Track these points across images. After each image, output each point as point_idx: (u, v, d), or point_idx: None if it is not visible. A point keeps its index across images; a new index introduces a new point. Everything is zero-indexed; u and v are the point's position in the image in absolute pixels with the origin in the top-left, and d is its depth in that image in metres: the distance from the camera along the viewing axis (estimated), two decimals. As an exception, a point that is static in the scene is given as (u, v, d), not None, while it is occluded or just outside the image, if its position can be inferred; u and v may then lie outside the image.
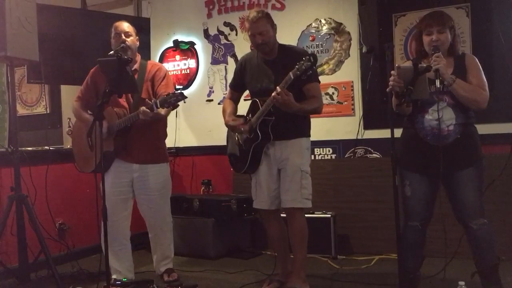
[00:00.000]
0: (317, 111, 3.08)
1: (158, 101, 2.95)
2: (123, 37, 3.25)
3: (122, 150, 3.24)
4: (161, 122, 3.41)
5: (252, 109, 3.10)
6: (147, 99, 3.05)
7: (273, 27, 3.06)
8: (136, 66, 3.31)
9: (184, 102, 3.05)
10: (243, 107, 3.29)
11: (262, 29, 2.99)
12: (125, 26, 3.30)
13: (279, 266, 3.26)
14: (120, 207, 3.29)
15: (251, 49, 3.99)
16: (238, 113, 3.30)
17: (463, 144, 2.60)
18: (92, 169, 3.17)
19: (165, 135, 3.52)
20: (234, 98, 3.36)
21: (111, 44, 3.31)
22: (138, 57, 3.38)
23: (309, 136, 3.17)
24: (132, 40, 3.29)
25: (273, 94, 2.83)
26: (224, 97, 4.93)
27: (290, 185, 3.02)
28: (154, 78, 3.33)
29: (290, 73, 2.79)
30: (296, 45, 4.42)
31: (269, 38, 3.02)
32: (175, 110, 3.17)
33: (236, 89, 3.34)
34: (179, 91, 2.96)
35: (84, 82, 3.43)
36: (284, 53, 3.07)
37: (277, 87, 2.83)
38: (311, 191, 3.08)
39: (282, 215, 3.23)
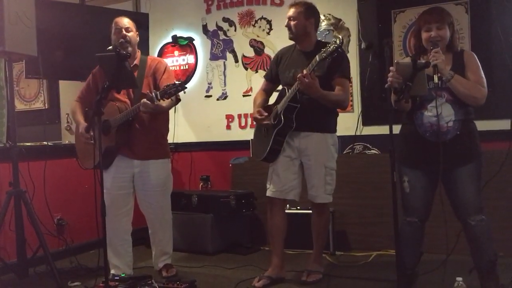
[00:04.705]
0: (342, 104, 3.13)
1: (158, 92, 2.96)
2: (124, 32, 3.25)
3: (124, 146, 3.24)
4: (163, 117, 3.40)
5: (280, 96, 3.16)
6: (147, 92, 3.05)
7: (308, 19, 3.13)
8: (136, 61, 3.32)
9: (184, 93, 3.05)
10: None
11: (291, 14, 3.14)
12: (125, 21, 3.30)
13: (271, 260, 3.26)
14: (121, 201, 3.30)
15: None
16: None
17: (463, 140, 2.59)
18: (93, 165, 3.17)
19: (167, 131, 3.51)
20: (267, 89, 3.41)
21: (111, 39, 3.31)
22: (138, 53, 3.38)
23: (335, 132, 3.23)
24: (132, 35, 3.29)
25: (298, 75, 2.88)
26: (222, 93, 4.94)
27: (315, 182, 3.12)
28: (155, 72, 3.32)
29: (317, 56, 2.85)
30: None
31: (295, 26, 3.11)
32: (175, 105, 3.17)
33: (270, 80, 3.39)
34: (179, 81, 2.97)
35: (86, 82, 3.44)
36: (320, 47, 3.07)
37: (304, 70, 2.87)
38: (334, 186, 3.19)
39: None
